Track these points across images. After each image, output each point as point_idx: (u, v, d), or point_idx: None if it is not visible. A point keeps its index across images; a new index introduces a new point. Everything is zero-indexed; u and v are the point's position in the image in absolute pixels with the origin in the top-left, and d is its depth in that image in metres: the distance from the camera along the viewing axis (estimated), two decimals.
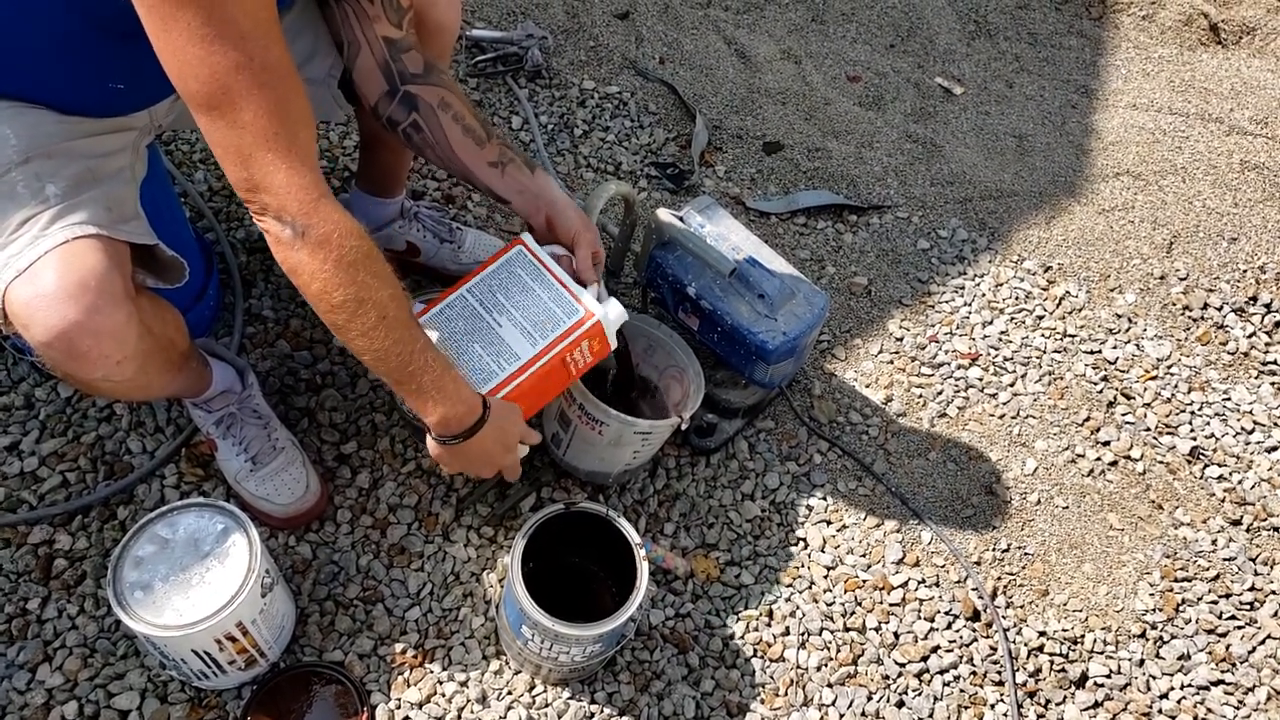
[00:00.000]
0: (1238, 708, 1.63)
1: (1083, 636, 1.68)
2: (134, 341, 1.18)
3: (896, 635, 1.66)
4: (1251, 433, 1.97)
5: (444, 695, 1.51)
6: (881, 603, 1.69)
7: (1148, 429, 1.95)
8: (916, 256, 2.20)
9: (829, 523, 1.77)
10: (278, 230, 1.08)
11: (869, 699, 1.59)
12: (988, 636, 1.67)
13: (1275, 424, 1.98)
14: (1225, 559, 1.79)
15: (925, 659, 1.64)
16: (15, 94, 1.18)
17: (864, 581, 1.71)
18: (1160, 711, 1.62)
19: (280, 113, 1.04)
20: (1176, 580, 1.76)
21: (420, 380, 1.21)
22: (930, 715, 1.58)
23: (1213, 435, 1.96)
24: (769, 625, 1.64)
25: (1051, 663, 1.65)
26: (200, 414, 1.60)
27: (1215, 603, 1.74)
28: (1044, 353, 2.05)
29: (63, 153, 1.19)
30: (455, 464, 1.37)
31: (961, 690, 1.61)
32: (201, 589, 1.31)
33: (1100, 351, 2.07)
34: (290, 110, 1.05)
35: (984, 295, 2.14)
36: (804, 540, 1.74)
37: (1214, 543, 1.81)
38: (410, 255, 1.87)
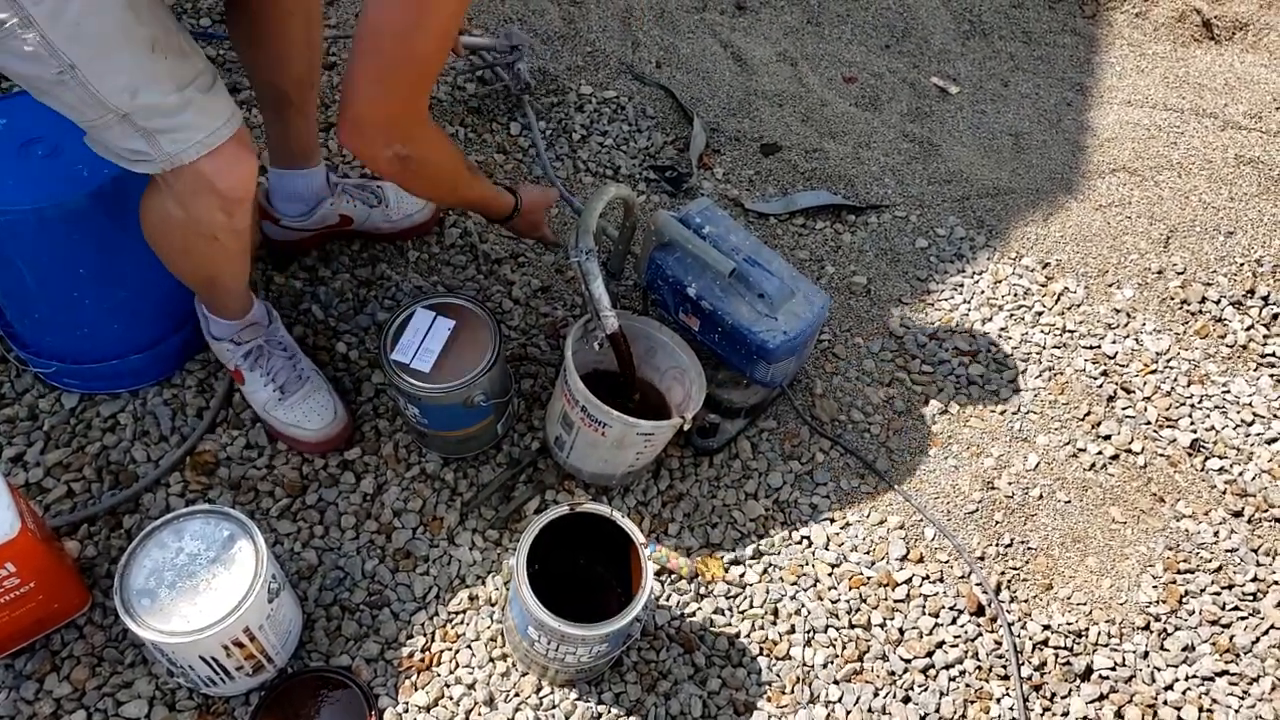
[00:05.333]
0: (1242, 698, 1.64)
1: (1087, 630, 1.69)
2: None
3: (902, 631, 1.66)
4: (1251, 424, 1.97)
5: (451, 698, 1.51)
6: (886, 599, 1.69)
7: (1148, 422, 1.96)
8: (915, 255, 2.21)
9: (832, 520, 1.77)
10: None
11: (875, 695, 1.59)
12: (992, 631, 1.67)
13: (1275, 416, 1.99)
14: (1227, 550, 1.79)
15: (931, 654, 1.64)
16: None
17: (868, 578, 1.71)
18: (1165, 703, 1.62)
19: None
20: (1179, 572, 1.76)
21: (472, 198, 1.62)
22: (936, 710, 1.59)
23: (1213, 428, 1.96)
24: (774, 623, 1.65)
25: (1056, 656, 1.66)
26: (229, 348, 1.66)
27: (1218, 594, 1.74)
28: (1043, 348, 2.06)
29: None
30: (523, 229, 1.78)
31: (967, 685, 1.62)
32: (208, 595, 1.32)
33: (1099, 346, 2.07)
34: None
35: (983, 292, 2.15)
36: (808, 538, 1.75)
37: (1216, 534, 1.81)
38: (344, 225, 1.92)
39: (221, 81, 1.31)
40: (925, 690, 1.61)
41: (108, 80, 1.16)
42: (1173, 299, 2.16)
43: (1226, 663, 1.67)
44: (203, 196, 1.32)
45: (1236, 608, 1.73)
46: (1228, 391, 2.02)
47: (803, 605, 1.67)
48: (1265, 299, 2.16)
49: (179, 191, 1.32)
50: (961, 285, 2.16)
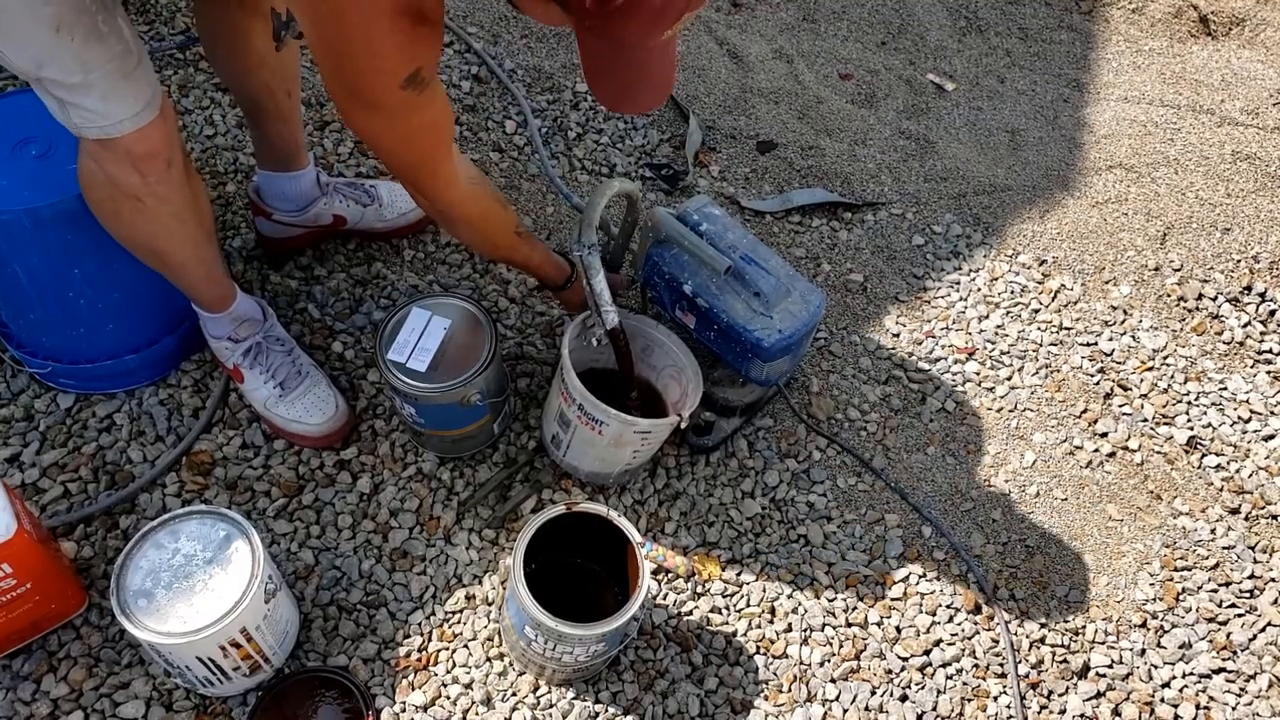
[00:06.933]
0: (1239, 695, 1.64)
1: (1084, 627, 1.69)
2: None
3: (899, 630, 1.66)
4: (1248, 421, 1.98)
5: (448, 698, 1.51)
6: (883, 597, 1.69)
7: (1145, 420, 1.96)
8: (911, 252, 2.21)
9: (829, 519, 1.77)
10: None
11: (872, 694, 1.59)
12: (989, 629, 1.68)
13: (1272, 412, 1.99)
14: (1224, 547, 1.80)
15: (928, 653, 1.64)
16: None
17: (865, 577, 1.71)
18: (1163, 700, 1.63)
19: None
20: (1176, 570, 1.77)
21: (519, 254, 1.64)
22: (934, 709, 1.59)
23: (1210, 425, 1.96)
24: (771, 622, 1.65)
25: (1053, 654, 1.66)
26: (227, 345, 1.66)
27: (1215, 591, 1.74)
28: (1040, 346, 2.06)
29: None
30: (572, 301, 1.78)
31: (964, 683, 1.62)
32: (205, 595, 1.32)
33: (1096, 344, 2.07)
34: None
35: (979, 290, 2.15)
36: (805, 537, 1.75)
37: (1213, 532, 1.81)
38: (338, 225, 1.92)
39: (146, 67, 1.30)
40: (922, 689, 1.61)
41: (14, 50, 1.20)
42: (1169, 296, 2.16)
43: (1224, 660, 1.67)
44: (114, 154, 1.33)
45: (1233, 605, 1.73)
46: (1225, 388, 2.02)
47: (800, 604, 1.67)
48: (1262, 295, 2.16)
49: (91, 148, 1.33)
50: (958, 283, 2.16)
